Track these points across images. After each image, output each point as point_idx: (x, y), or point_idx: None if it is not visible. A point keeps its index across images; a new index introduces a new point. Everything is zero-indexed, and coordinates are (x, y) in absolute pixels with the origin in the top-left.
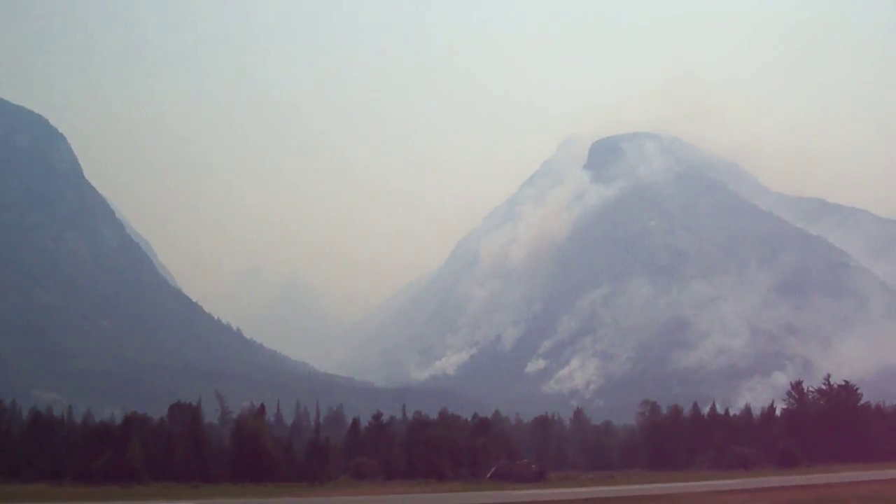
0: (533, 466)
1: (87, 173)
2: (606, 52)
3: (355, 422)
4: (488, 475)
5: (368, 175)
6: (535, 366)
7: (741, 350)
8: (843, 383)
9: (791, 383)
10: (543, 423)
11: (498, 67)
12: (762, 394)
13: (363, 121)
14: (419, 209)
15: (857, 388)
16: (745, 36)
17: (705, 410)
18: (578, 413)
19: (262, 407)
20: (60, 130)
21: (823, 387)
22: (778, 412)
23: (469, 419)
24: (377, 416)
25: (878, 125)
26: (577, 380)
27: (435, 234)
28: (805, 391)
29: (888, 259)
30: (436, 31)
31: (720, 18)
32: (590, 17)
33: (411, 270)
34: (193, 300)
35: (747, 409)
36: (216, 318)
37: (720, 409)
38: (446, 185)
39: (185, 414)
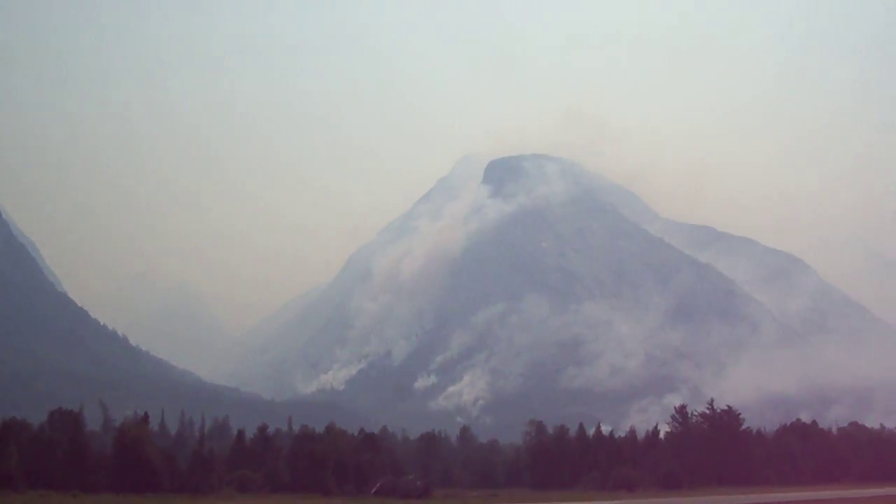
0: (418, 483)
1: None
2: (508, 73)
3: (240, 433)
4: (373, 491)
5: (261, 187)
6: (424, 382)
7: (634, 372)
8: (726, 408)
9: (675, 407)
10: (430, 440)
11: (396, 83)
12: (654, 416)
13: (257, 133)
14: (311, 222)
15: (739, 413)
16: (646, 64)
17: (594, 431)
18: (465, 431)
19: (146, 416)
20: None
21: (707, 411)
22: (662, 435)
23: (356, 434)
24: (263, 429)
25: (767, 157)
26: (466, 397)
27: (327, 247)
28: (689, 415)
29: (774, 288)
30: (333, 45)
31: (621, 45)
32: (491, 38)
33: (303, 283)
34: (80, 304)
35: (632, 432)
36: (102, 323)
37: (614, 430)
38: (340, 198)
39: (66, 421)
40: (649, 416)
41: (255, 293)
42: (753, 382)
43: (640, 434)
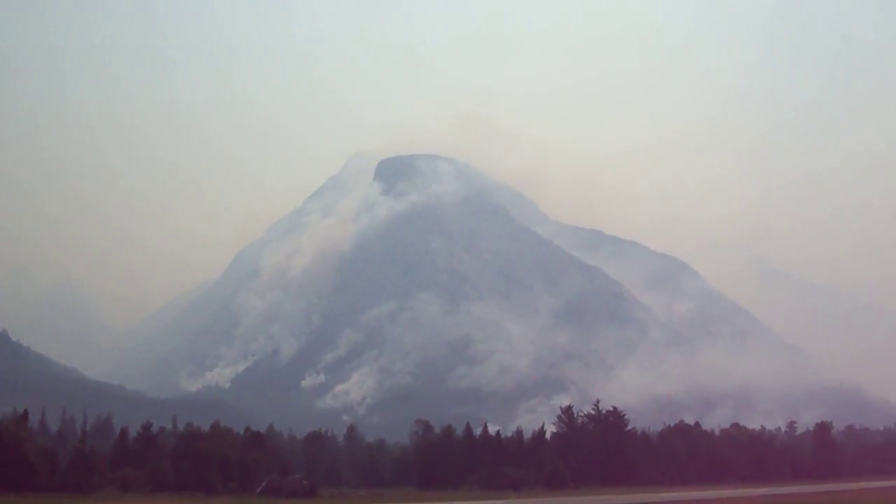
0: (304, 482)
1: None
2: (401, 72)
3: (123, 431)
4: (258, 490)
5: (147, 181)
6: (312, 380)
7: (524, 372)
8: (611, 409)
9: (561, 408)
10: (317, 439)
11: (286, 79)
12: (544, 416)
13: (144, 123)
14: (199, 218)
15: (624, 414)
16: (538, 67)
17: (481, 431)
18: (352, 430)
19: (26, 413)
20: None
21: (592, 412)
22: (549, 435)
23: (241, 433)
24: (146, 427)
25: (654, 163)
26: (354, 396)
27: (215, 243)
28: (575, 415)
29: (661, 292)
30: (221, 42)
31: (515, 49)
32: (385, 36)
33: (189, 279)
34: None
35: (519, 432)
36: None
37: (503, 430)
38: (229, 195)
39: None
40: (538, 417)
41: (141, 289)
42: (641, 384)
43: (527, 434)
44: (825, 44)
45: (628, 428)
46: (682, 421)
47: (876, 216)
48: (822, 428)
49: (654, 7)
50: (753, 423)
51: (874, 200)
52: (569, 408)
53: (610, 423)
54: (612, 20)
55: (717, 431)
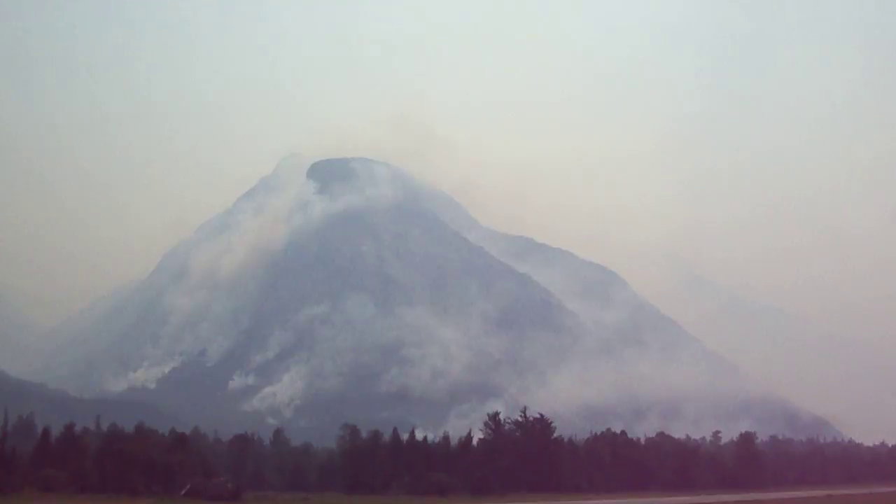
0: (229, 485)
1: None
2: (335, 74)
3: (46, 431)
4: (182, 492)
5: (75, 179)
6: (240, 382)
7: (456, 378)
8: (538, 416)
9: (488, 414)
10: (242, 442)
11: (217, 79)
12: (476, 422)
13: (68, 126)
14: (127, 217)
15: (551, 422)
16: (479, 75)
17: (408, 436)
18: (279, 433)
19: None
20: None
21: (520, 419)
22: (476, 441)
23: (166, 434)
24: (70, 427)
25: (585, 171)
26: (282, 398)
27: (143, 242)
28: (502, 422)
29: (590, 300)
30: (153, 38)
31: (456, 55)
32: (320, 40)
33: (116, 278)
34: None
35: (446, 437)
36: None
37: (434, 435)
38: (157, 194)
39: None
40: (470, 422)
41: (66, 287)
42: (572, 391)
43: (455, 440)
44: (769, 70)
45: (555, 435)
46: (608, 429)
47: (805, 229)
48: (746, 438)
49: (595, 21)
50: (681, 433)
51: (805, 211)
52: (496, 414)
53: (537, 430)
54: (554, 31)
55: (642, 440)
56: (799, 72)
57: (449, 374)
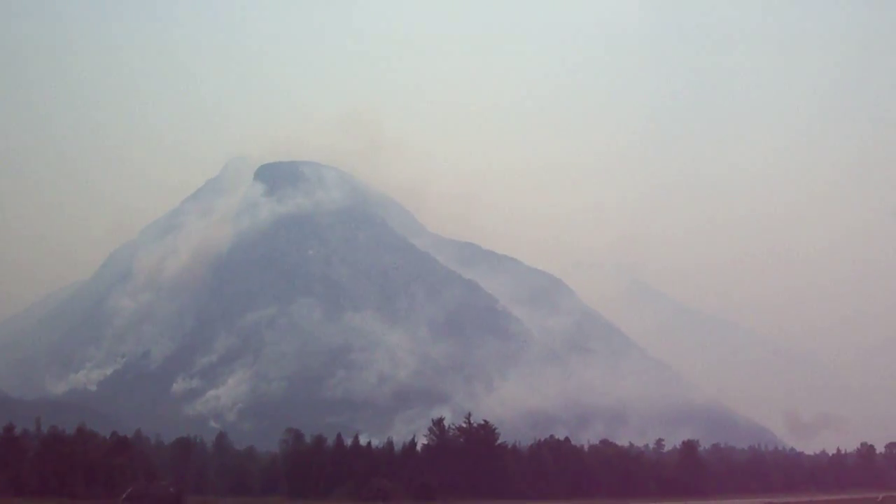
0: (171, 489)
1: None
2: (286, 77)
3: None
4: (123, 496)
5: (17, 179)
6: (183, 384)
7: (403, 383)
8: (483, 422)
9: (433, 419)
10: (185, 445)
11: (163, 80)
12: (422, 427)
13: (13, 121)
14: (70, 218)
15: (495, 428)
16: (429, 78)
17: (353, 441)
18: (222, 437)
19: None
20: None
21: (464, 425)
22: (420, 447)
23: (108, 437)
24: (9, 429)
25: (532, 179)
26: (226, 401)
27: (86, 243)
28: (446, 428)
29: (536, 307)
30: (100, 39)
31: (405, 58)
32: (267, 41)
33: (58, 279)
34: None
35: (390, 443)
36: None
37: (378, 440)
38: (101, 196)
39: None
40: (416, 428)
41: (7, 288)
42: (518, 398)
43: (400, 446)
44: (709, 70)
45: (499, 441)
46: (552, 436)
47: (751, 242)
48: (689, 446)
49: (548, 28)
50: (625, 440)
51: (752, 225)
52: (440, 420)
53: (480, 436)
54: (506, 37)
55: (587, 447)
56: (754, 84)
57: (395, 379)
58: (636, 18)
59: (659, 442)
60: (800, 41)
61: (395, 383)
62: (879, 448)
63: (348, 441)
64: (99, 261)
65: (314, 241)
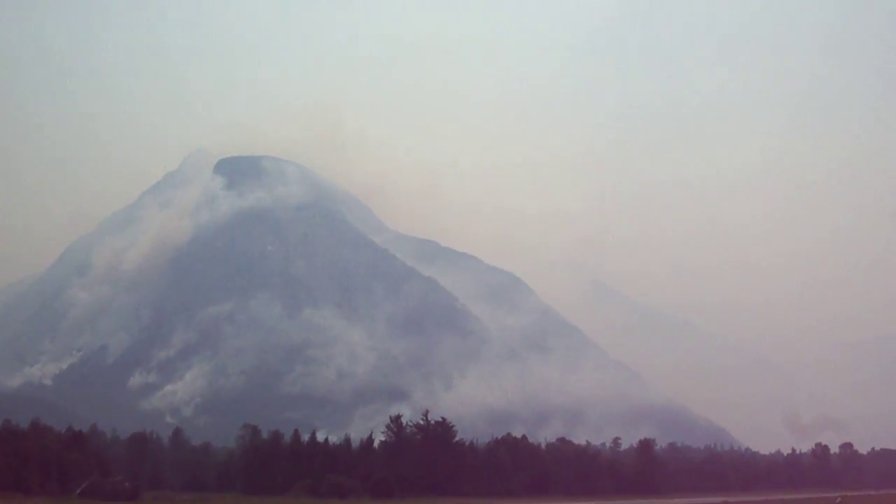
0: (126, 484)
1: None
2: (247, 70)
3: None
4: (78, 491)
5: None
6: (140, 379)
7: (363, 379)
8: (440, 419)
9: (391, 416)
10: (141, 440)
11: (122, 72)
12: (382, 424)
13: None
14: (28, 210)
15: (452, 426)
16: (391, 75)
17: (310, 438)
18: (178, 432)
19: None
20: None
21: (421, 422)
22: (378, 444)
23: (63, 431)
24: None
25: (492, 177)
26: (183, 396)
27: (43, 236)
28: (403, 425)
29: (495, 305)
30: (59, 29)
31: (367, 54)
32: (228, 36)
33: (13, 272)
34: None
35: (347, 440)
36: None
37: (337, 437)
38: (58, 189)
39: None
40: (375, 424)
41: None
42: (478, 396)
43: (357, 442)
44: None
45: (457, 439)
46: (509, 434)
47: (708, 244)
48: (645, 445)
49: (510, 26)
50: (583, 439)
51: (709, 227)
52: (398, 417)
53: (438, 433)
54: (468, 34)
55: (544, 445)
56: (720, 90)
57: (354, 375)
58: (603, 23)
59: (616, 440)
60: (763, 48)
61: (354, 380)
62: (834, 449)
63: (306, 437)
64: (55, 254)
65: (274, 236)
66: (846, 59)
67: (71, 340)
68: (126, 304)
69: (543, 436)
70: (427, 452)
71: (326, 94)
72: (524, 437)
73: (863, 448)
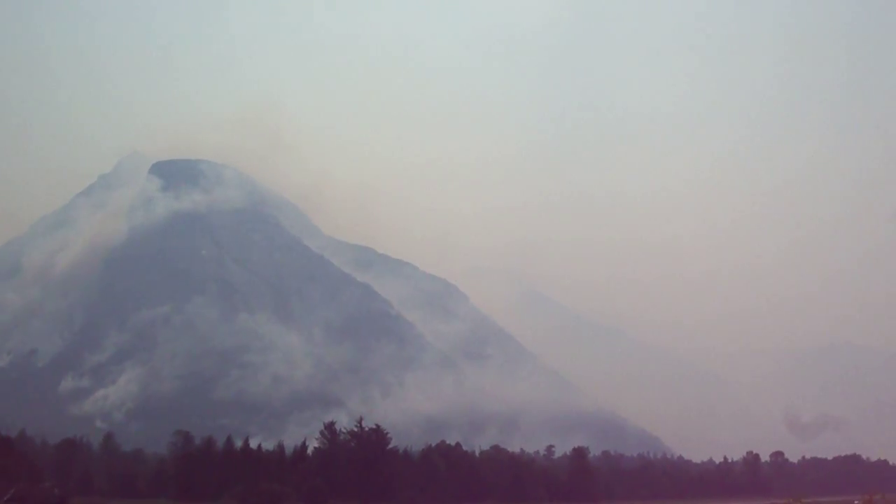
0: (55, 491)
1: None
2: (184, 73)
3: None
4: (5, 498)
5: None
6: (72, 383)
7: (298, 385)
8: (374, 427)
9: (324, 423)
10: (70, 446)
11: (57, 75)
12: (317, 431)
13: None
14: None
15: (386, 433)
16: (330, 79)
17: (242, 444)
18: (109, 438)
19: None
20: None
21: (355, 429)
22: (311, 451)
23: None
24: None
25: (429, 183)
26: (114, 401)
27: None
28: (337, 432)
29: (430, 312)
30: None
31: (306, 58)
32: (164, 37)
33: None
34: None
35: (281, 446)
36: None
37: (272, 443)
38: None
39: None
40: (311, 431)
41: None
42: (412, 403)
43: (291, 449)
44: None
45: (391, 446)
46: (443, 441)
47: (641, 252)
48: (579, 452)
49: (447, 28)
50: (517, 446)
51: (643, 235)
52: (331, 424)
53: (372, 440)
54: (404, 38)
55: (478, 452)
56: (654, 94)
57: (290, 381)
58: (535, 26)
59: (550, 448)
60: (707, 52)
61: (290, 386)
62: (764, 457)
63: (239, 444)
64: None
65: (208, 240)
66: (795, 66)
67: (0, 344)
68: (57, 307)
69: (478, 443)
70: (361, 460)
71: (263, 98)
72: (458, 444)
73: (793, 457)
